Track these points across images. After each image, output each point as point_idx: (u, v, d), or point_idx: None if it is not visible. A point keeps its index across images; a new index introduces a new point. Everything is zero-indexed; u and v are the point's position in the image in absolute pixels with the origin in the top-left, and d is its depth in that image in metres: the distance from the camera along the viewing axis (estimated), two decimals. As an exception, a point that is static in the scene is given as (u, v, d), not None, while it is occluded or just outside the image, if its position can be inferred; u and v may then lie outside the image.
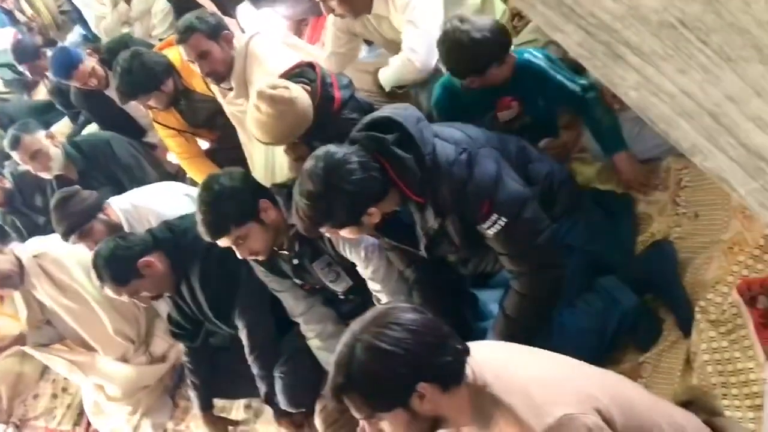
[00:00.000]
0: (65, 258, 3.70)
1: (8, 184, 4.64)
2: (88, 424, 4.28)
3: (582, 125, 2.82)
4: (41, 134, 4.14)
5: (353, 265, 2.72)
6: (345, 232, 2.29)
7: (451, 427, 1.77)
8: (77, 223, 3.38)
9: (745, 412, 2.08)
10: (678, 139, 0.64)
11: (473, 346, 1.72)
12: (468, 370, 1.66)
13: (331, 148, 2.20)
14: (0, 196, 4.63)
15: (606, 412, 1.59)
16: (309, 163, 2.20)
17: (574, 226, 2.49)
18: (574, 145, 2.91)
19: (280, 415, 3.16)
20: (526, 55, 2.70)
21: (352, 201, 2.15)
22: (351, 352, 1.59)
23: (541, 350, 1.82)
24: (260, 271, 2.95)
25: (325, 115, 2.72)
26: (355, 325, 1.66)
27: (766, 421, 2.01)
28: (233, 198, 2.58)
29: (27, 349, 4.16)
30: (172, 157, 4.35)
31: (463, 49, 2.53)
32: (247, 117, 2.77)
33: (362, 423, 1.93)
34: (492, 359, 1.72)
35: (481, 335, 2.47)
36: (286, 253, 2.81)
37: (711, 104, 0.66)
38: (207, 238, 2.64)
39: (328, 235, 2.41)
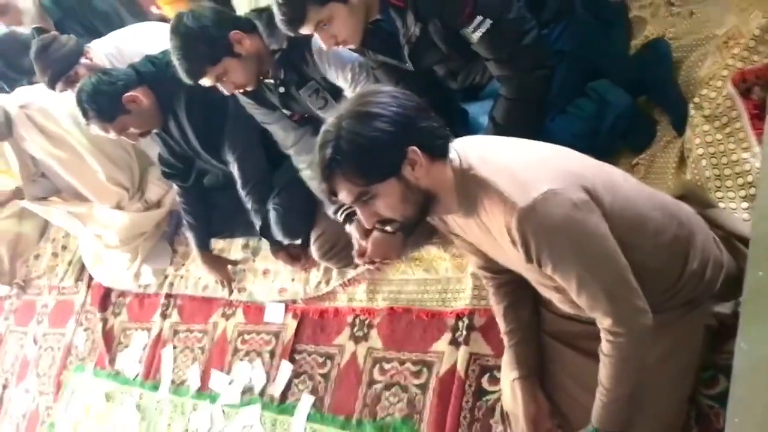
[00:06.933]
0: (52, 107, 3.63)
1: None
2: (90, 278, 4.35)
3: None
4: None
5: (341, 90, 2.64)
6: (339, 19, 2.17)
7: (440, 213, 1.76)
8: (61, 70, 3.27)
9: (739, 202, 2.06)
10: None
11: (459, 139, 1.69)
12: (453, 154, 1.64)
13: None
14: None
15: (593, 190, 1.58)
16: None
17: (565, 31, 2.39)
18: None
19: (276, 248, 3.18)
20: None
21: None
22: (337, 127, 1.56)
23: (528, 140, 1.78)
24: (247, 104, 2.89)
25: None
26: (338, 110, 1.61)
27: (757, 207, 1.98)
28: (202, 38, 2.49)
29: (24, 202, 4.18)
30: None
31: None
32: None
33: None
34: (477, 145, 1.71)
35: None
36: (271, 81, 2.74)
37: None
38: (188, 82, 2.59)
39: (311, 33, 2.24)
